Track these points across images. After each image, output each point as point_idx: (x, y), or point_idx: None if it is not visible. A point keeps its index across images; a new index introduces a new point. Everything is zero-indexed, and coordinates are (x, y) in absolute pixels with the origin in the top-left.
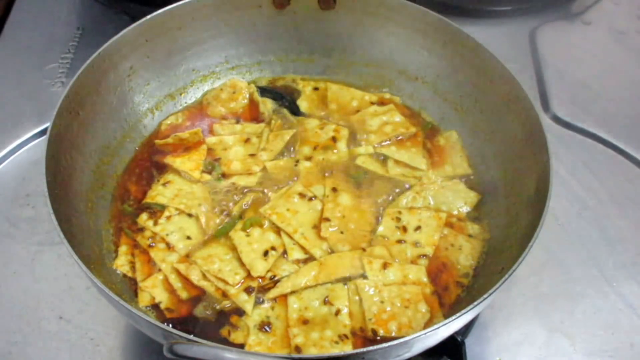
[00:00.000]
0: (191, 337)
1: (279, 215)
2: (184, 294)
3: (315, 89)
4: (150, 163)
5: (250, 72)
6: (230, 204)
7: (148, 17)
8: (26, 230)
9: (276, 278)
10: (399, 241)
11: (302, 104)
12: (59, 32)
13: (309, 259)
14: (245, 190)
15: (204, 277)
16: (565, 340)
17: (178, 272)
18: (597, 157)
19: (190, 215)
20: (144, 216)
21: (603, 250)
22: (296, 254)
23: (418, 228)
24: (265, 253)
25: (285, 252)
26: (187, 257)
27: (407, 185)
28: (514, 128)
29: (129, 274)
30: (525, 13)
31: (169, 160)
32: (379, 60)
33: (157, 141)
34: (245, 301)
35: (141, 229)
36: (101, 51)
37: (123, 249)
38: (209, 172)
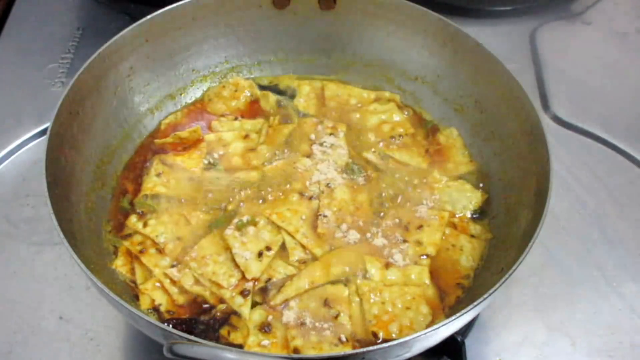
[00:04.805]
0: (191, 337)
1: (279, 215)
2: (180, 299)
3: (313, 88)
4: (150, 163)
5: (251, 72)
6: (227, 202)
7: (148, 17)
8: (26, 230)
9: (272, 280)
10: (401, 240)
11: (300, 103)
12: (59, 32)
13: (310, 259)
14: (244, 190)
15: (197, 282)
16: (565, 340)
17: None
18: (597, 157)
19: (181, 213)
20: (132, 218)
21: (603, 250)
22: (298, 254)
23: (420, 227)
24: (260, 254)
25: (281, 252)
26: (179, 261)
27: (409, 184)
28: (514, 128)
29: (129, 275)
30: (525, 13)
31: (169, 158)
32: (379, 60)
33: (157, 140)
34: (241, 304)
35: (130, 235)
36: (101, 51)
37: (123, 250)
38: (210, 169)
